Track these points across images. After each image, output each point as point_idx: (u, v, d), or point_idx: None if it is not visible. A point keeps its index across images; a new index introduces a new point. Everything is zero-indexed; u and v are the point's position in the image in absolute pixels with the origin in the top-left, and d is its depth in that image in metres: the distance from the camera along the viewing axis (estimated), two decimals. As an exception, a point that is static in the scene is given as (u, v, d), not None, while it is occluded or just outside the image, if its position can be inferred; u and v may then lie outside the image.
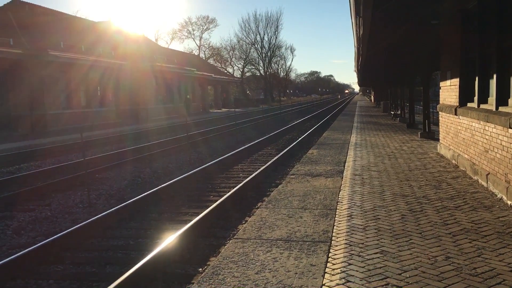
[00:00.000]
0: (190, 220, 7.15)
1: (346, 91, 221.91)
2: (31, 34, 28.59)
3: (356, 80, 66.05)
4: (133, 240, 6.88)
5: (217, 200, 8.50)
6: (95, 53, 32.38)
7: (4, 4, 33.59)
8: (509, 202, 5.89)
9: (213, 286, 3.82)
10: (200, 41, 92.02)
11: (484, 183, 7.10)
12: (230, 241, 5.04)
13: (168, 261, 5.74)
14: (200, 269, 5.57)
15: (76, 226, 7.03)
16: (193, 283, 4.64)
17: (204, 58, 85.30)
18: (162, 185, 9.92)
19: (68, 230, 6.85)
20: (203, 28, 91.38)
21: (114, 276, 5.15)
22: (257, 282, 3.84)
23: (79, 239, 6.78)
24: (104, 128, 28.16)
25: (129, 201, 8.63)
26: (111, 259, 6.11)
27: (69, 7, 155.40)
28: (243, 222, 7.48)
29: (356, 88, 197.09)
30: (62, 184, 11.03)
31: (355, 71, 35.94)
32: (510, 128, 5.87)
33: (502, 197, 6.20)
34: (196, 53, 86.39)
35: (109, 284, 4.75)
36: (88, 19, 47.03)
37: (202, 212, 7.54)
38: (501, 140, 6.32)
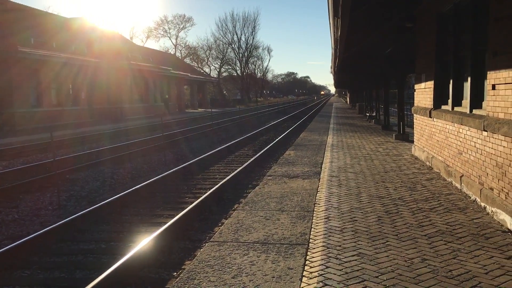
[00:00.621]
0: (165, 223, 6.99)
1: (322, 92, 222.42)
2: (0, 29, 27.67)
3: (332, 81, 66.68)
4: (105, 243, 6.67)
5: (193, 202, 8.35)
6: (68, 50, 31.67)
7: (-28, -2, 32.42)
8: (482, 204, 5.96)
9: (187, 291, 3.70)
10: (176, 40, 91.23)
11: (458, 185, 7.18)
12: (206, 244, 4.92)
13: (141, 265, 5.57)
14: (175, 273, 5.42)
15: (45, 229, 6.77)
16: (167, 288, 4.50)
17: (180, 57, 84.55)
18: (136, 187, 9.70)
19: (36, 233, 6.59)
20: (179, 27, 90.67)
21: (85, 282, 4.95)
22: (233, 286, 3.74)
23: (48, 242, 6.53)
24: (77, 127, 27.51)
25: (101, 203, 8.39)
26: (81, 263, 5.89)
27: (40, 3, 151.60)
28: (220, 224, 7.36)
29: (332, 89, 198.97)
30: (30, 185, 10.66)
31: (331, 72, 36.22)
32: (484, 130, 5.95)
33: (475, 199, 6.28)
34: (172, 52, 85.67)
35: (79, 290, 4.56)
36: (61, 15, 45.87)
37: (177, 214, 7.39)
38: (475, 142, 6.40)
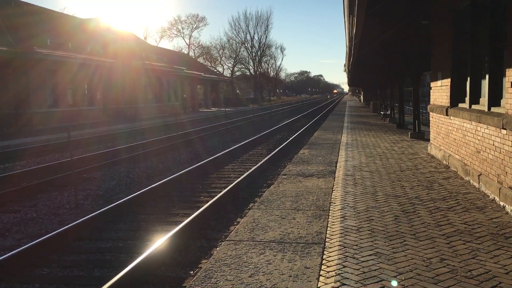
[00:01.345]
0: (181, 222, 7.03)
1: (335, 91, 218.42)
2: (17, 31, 28.12)
3: (345, 80, 66.29)
4: (122, 242, 6.74)
5: (208, 201, 8.39)
6: (83, 51, 32.05)
7: (-10, 1, 32.99)
8: (501, 203, 5.87)
9: (205, 290, 3.72)
10: (189, 39, 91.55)
11: (476, 184, 7.09)
12: (223, 243, 4.94)
13: (158, 264, 5.62)
14: (192, 272, 5.46)
15: (63, 228, 6.86)
16: (184, 287, 4.53)
17: (193, 57, 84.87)
18: (152, 186, 9.77)
19: (55, 232, 6.69)
20: (192, 27, 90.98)
21: (103, 280, 5.02)
22: (250, 285, 3.75)
23: (66, 241, 6.62)
24: (92, 127, 27.84)
25: (118, 201, 8.48)
26: (99, 262, 5.97)
27: (56, 4, 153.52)
28: (235, 223, 7.38)
29: (346, 88, 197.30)
30: (48, 184, 10.82)
31: (345, 71, 36.02)
32: (503, 128, 5.86)
33: (494, 198, 6.19)
34: (185, 52, 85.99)
35: (98, 288, 4.62)
36: (76, 16, 46.42)
37: (193, 213, 7.43)
38: (493, 140, 6.31)
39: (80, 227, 7.06)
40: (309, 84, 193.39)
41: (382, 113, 28.19)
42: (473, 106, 7.70)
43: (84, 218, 7.42)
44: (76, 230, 6.93)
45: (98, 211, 7.81)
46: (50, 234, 6.56)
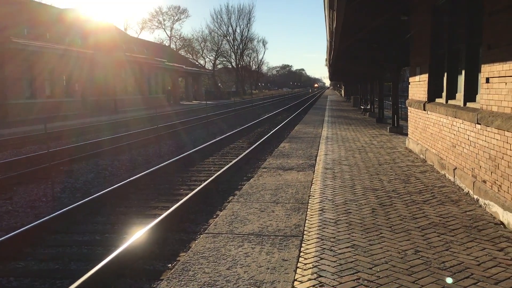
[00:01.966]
0: (160, 215, 6.99)
1: (316, 85, 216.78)
2: (-7, 20, 27.40)
3: (327, 74, 66.63)
4: (100, 235, 6.67)
5: (188, 194, 8.36)
6: (62, 42, 31.45)
7: (-36, -11, 32.00)
8: (475, 197, 6.01)
9: (183, 282, 3.72)
10: (171, 31, 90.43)
11: (451, 178, 7.24)
12: (201, 236, 4.94)
13: (136, 257, 5.58)
14: (170, 265, 5.44)
15: (39, 221, 6.75)
16: (162, 280, 4.50)
17: (175, 49, 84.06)
18: (131, 178, 9.68)
19: (30, 225, 6.58)
20: (174, 19, 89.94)
21: (79, 273, 4.96)
22: (228, 278, 3.76)
23: (42, 234, 6.52)
24: (71, 119, 27.39)
25: (95, 194, 8.38)
26: (76, 255, 5.89)
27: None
28: (215, 216, 7.38)
29: (327, 82, 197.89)
30: (24, 177, 10.61)
31: (326, 65, 36.18)
32: (477, 123, 5.98)
33: (468, 191, 6.33)
34: (167, 44, 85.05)
35: (74, 282, 4.57)
36: (54, 6, 45.42)
37: (172, 206, 7.39)
38: (468, 135, 6.44)
39: (56, 220, 6.95)
40: (291, 78, 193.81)
41: (362, 107, 28.48)
42: (450, 101, 7.84)
43: (61, 211, 7.31)
44: (52, 223, 6.83)
45: (75, 204, 7.71)
46: (25, 227, 6.45)
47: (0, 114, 25.33)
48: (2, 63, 25.87)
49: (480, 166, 5.94)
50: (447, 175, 7.52)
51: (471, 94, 6.81)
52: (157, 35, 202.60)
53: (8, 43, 25.51)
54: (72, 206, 7.59)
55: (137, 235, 5.88)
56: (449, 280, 3.62)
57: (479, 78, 6.36)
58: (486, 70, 5.75)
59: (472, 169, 6.27)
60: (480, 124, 5.90)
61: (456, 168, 7.02)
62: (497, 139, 5.36)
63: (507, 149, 5.07)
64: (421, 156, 9.58)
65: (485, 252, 4.20)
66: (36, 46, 27.92)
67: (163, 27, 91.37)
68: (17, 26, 28.61)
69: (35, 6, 37.09)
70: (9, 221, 7.51)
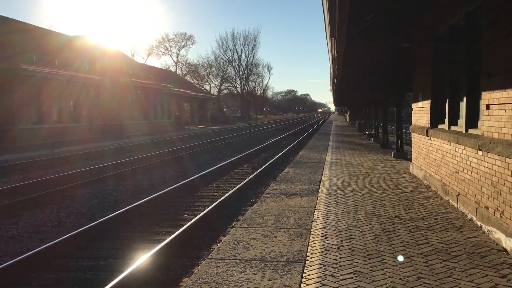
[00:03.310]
0: (163, 240, 7.02)
1: (320, 110, 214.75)
2: (3, 48, 28.01)
3: (332, 99, 66.98)
4: (104, 260, 6.70)
5: (191, 219, 8.39)
6: (70, 68, 31.99)
7: (-25, 17, 32.90)
8: (478, 223, 6.01)
9: (184, 308, 3.73)
10: (177, 57, 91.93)
11: (454, 204, 7.24)
12: (204, 261, 4.96)
13: (139, 282, 5.59)
14: (172, 290, 5.45)
15: (44, 246, 6.80)
16: (164, 305, 4.54)
17: (181, 75, 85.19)
18: (135, 203, 9.74)
19: (35, 250, 6.62)
20: (180, 45, 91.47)
21: (82, 298, 4.97)
22: (229, 304, 3.77)
23: (47, 259, 6.55)
24: (77, 144, 27.63)
25: (100, 219, 8.43)
26: (80, 280, 5.92)
27: (42, 21, 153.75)
28: (218, 241, 7.39)
29: (332, 107, 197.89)
30: (30, 202, 10.69)
31: (330, 90, 36.48)
32: (479, 150, 6.03)
33: (472, 217, 6.33)
34: (173, 70, 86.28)
35: (77, 307, 4.59)
36: (63, 33, 46.40)
37: (175, 232, 7.42)
38: (470, 161, 6.48)
39: (61, 245, 6.99)
40: (296, 103, 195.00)
41: (366, 132, 28.55)
42: (452, 128, 7.90)
43: (66, 236, 7.35)
44: (57, 248, 6.86)
45: (80, 229, 7.75)
46: (30, 252, 6.49)
47: (8, 139, 25.60)
48: (11, 89, 26.31)
49: (483, 192, 5.96)
50: (450, 201, 7.52)
51: (472, 120, 6.88)
52: (163, 61, 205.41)
53: (17, 69, 26.02)
54: (77, 231, 7.64)
55: (140, 260, 5.91)
56: None
57: (480, 105, 6.44)
58: (486, 97, 5.83)
59: (475, 195, 6.28)
60: (481, 150, 5.95)
61: (459, 194, 7.03)
62: (498, 166, 5.40)
63: (508, 175, 5.10)
64: (425, 181, 9.58)
65: (488, 278, 4.19)
66: (44, 73, 28.43)
67: (170, 53, 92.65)
68: (26, 53, 29.23)
69: (44, 33, 37.96)
70: (14, 246, 7.56)
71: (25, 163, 17.80)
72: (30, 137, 26.71)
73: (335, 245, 5.35)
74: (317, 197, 8.37)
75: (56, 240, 7.10)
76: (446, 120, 8.25)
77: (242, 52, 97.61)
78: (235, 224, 7.42)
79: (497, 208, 5.42)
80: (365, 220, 6.51)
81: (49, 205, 10.49)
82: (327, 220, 6.56)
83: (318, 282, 4.21)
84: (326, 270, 4.50)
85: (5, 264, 5.98)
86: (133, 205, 9.61)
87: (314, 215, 6.91)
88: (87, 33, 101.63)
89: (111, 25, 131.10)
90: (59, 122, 30.98)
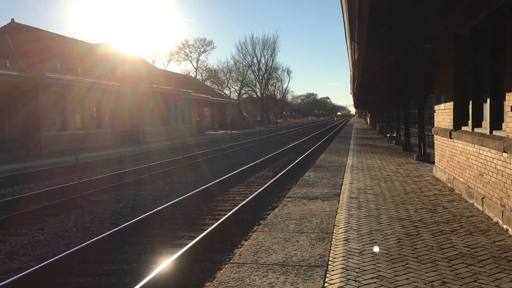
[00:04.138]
0: (186, 244, 7.09)
1: (339, 113, 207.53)
2: (28, 56, 28.78)
3: (352, 102, 66.55)
4: (127, 265, 6.80)
5: (213, 224, 8.44)
6: (92, 75, 32.62)
7: (1, 27, 33.85)
8: (504, 226, 5.88)
9: (208, 312, 3.77)
10: (197, 63, 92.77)
11: (479, 207, 7.10)
12: (226, 265, 4.99)
13: (163, 286, 5.66)
14: (195, 294, 5.49)
15: (70, 251, 6.94)
16: (187, 309, 4.58)
17: (201, 80, 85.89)
18: (157, 208, 9.85)
19: (61, 254, 6.76)
20: (200, 51, 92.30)
21: (108, 302, 5.06)
22: (252, 308, 3.79)
23: (73, 263, 6.68)
24: (100, 150, 28.12)
25: (124, 224, 8.56)
26: (105, 284, 6.02)
27: (66, 30, 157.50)
28: (239, 246, 7.42)
29: (353, 110, 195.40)
30: (55, 207, 10.93)
31: (351, 93, 36.24)
32: (504, 152, 5.91)
33: (497, 221, 6.20)
34: (193, 75, 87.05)
35: (102, 311, 4.67)
36: (85, 41, 47.40)
37: (197, 236, 7.48)
38: (495, 164, 6.36)
39: (86, 249, 7.13)
40: (316, 106, 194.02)
41: (388, 135, 28.22)
42: (476, 129, 7.77)
43: (90, 240, 7.49)
44: (82, 252, 7.00)
45: (104, 234, 7.89)
46: (56, 257, 6.64)
47: (32, 146, 26.26)
48: (36, 96, 27.01)
49: (509, 195, 5.83)
50: (475, 204, 7.38)
51: (497, 122, 6.75)
52: (183, 67, 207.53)
53: (41, 77, 26.69)
54: (101, 236, 7.77)
55: (163, 264, 5.97)
56: None
57: (504, 106, 6.32)
58: (511, 98, 5.72)
59: (501, 198, 6.15)
60: (506, 152, 5.83)
61: (484, 197, 6.90)
62: (524, 168, 5.29)
63: (535, 177, 4.99)
64: (449, 184, 9.43)
65: (515, 284, 4.10)
66: (67, 80, 29.08)
67: (190, 59, 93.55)
68: (50, 61, 29.94)
69: (67, 41, 38.90)
70: (41, 251, 7.73)
71: (50, 169, 18.19)
72: (54, 143, 27.34)
73: (358, 249, 5.31)
74: (338, 201, 8.32)
75: (82, 245, 7.23)
76: (470, 122, 8.11)
77: (261, 57, 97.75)
78: (256, 229, 7.44)
79: (524, 212, 5.30)
80: (388, 224, 6.45)
81: (74, 210, 10.71)
82: (349, 224, 6.52)
83: (340, 286, 4.19)
84: (348, 275, 4.48)
85: (32, 269, 6.12)
86: (155, 210, 9.73)
87: (336, 219, 6.87)
88: (109, 40, 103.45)
89: (132, 32, 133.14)
90: (82, 128, 31.61)
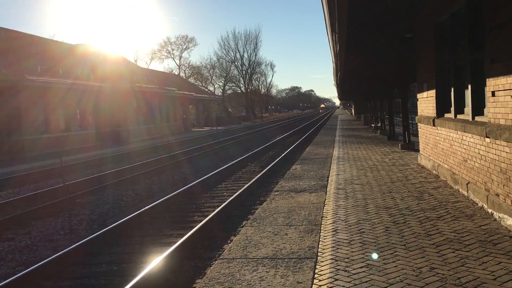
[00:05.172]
0: (175, 242, 7.06)
1: (322, 105, 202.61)
2: (7, 58, 28.25)
3: (336, 94, 66.87)
4: (116, 265, 6.74)
5: (201, 221, 8.42)
6: (73, 76, 32.15)
7: (-21, 30, 33.18)
8: (489, 210, 5.97)
9: (199, 309, 3.75)
10: (180, 60, 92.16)
11: (464, 192, 7.20)
12: (216, 261, 4.98)
13: (153, 285, 5.63)
14: (186, 292, 5.47)
15: (57, 254, 6.86)
16: (179, 307, 4.56)
17: (184, 77, 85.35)
18: (145, 208, 9.79)
19: (49, 258, 6.68)
20: (182, 48, 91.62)
21: (98, 304, 5.02)
22: (243, 303, 3.78)
23: (61, 267, 6.61)
24: (84, 151, 27.80)
25: (112, 225, 8.48)
26: (94, 286, 5.96)
27: (45, 31, 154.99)
28: (228, 241, 7.42)
29: (337, 102, 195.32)
30: (42, 211, 10.78)
31: (334, 85, 36.39)
32: (487, 137, 5.99)
33: (482, 205, 6.29)
34: (176, 73, 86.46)
35: (93, 313, 4.63)
36: (66, 42, 46.70)
37: (186, 234, 7.45)
38: (478, 149, 6.44)
39: (74, 252, 7.05)
40: (301, 100, 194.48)
41: (373, 125, 28.45)
42: (458, 116, 7.86)
43: (78, 243, 7.41)
44: (70, 255, 6.92)
45: (92, 236, 7.81)
46: (44, 261, 6.55)
47: (16, 150, 25.83)
48: (17, 98, 26.52)
49: (493, 180, 5.92)
50: (460, 190, 7.48)
51: (478, 108, 6.83)
52: (166, 65, 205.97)
53: (22, 80, 26.22)
54: (89, 238, 7.70)
55: (153, 263, 5.94)
56: None
57: (485, 92, 6.40)
58: (491, 84, 5.80)
59: (485, 183, 6.24)
60: (489, 137, 5.91)
61: (469, 182, 7.00)
62: (506, 152, 5.37)
63: (517, 161, 5.07)
64: (434, 172, 9.54)
65: (501, 266, 4.17)
66: (48, 81, 28.62)
67: (172, 56, 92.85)
68: (30, 63, 29.44)
69: (46, 42, 38.30)
70: (28, 255, 7.63)
71: (35, 173, 17.92)
72: (38, 147, 26.90)
73: (346, 239, 5.35)
74: (326, 193, 8.36)
75: (69, 248, 7.15)
76: (452, 109, 8.20)
77: (244, 52, 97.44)
78: (245, 223, 7.44)
79: (508, 195, 5.39)
80: (375, 213, 6.50)
81: (61, 213, 10.57)
82: (337, 215, 6.56)
83: (330, 277, 4.21)
84: (338, 265, 4.50)
85: (19, 274, 6.04)
86: (143, 209, 9.66)
87: (324, 211, 6.91)
88: (90, 40, 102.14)
89: (113, 32, 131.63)
90: (65, 130, 31.18)
